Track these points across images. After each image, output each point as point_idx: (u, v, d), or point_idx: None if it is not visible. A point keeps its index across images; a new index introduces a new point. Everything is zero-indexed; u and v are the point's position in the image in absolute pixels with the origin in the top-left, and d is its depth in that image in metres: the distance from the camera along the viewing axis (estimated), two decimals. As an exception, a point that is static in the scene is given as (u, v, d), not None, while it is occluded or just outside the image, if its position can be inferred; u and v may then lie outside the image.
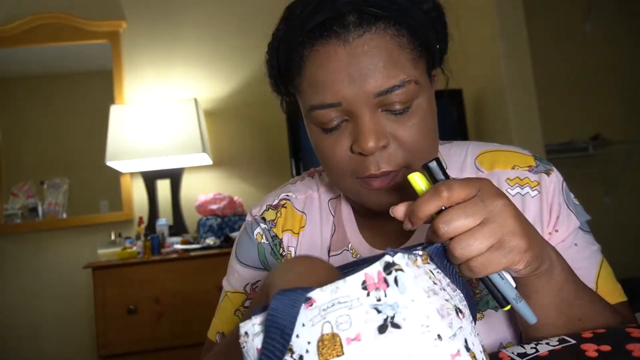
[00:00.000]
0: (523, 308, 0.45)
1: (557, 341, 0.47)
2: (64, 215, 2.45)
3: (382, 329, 0.35)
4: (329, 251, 0.68)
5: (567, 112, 2.78)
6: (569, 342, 0.46)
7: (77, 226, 2.41)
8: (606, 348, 0.45)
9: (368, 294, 0.36)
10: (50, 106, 2.58)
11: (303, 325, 0.37)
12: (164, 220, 2.22)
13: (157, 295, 1.91)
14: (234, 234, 2.08)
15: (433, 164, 0.46)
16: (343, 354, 0.35)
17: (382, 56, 0.53)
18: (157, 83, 2.53)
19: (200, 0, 2.62)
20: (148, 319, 1.89)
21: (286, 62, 0.59)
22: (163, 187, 2.39)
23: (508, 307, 0.45)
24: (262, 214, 0.73)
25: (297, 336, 0.37)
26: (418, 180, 0.46)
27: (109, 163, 2.16)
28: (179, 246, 2.07)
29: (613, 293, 0.62)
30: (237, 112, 2.57)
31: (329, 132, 0.57)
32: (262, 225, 0.72)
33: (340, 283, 0.37)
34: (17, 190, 2.44)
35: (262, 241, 0.72)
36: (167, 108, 2.23)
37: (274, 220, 0.72)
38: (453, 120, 2.31)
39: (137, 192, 2.45)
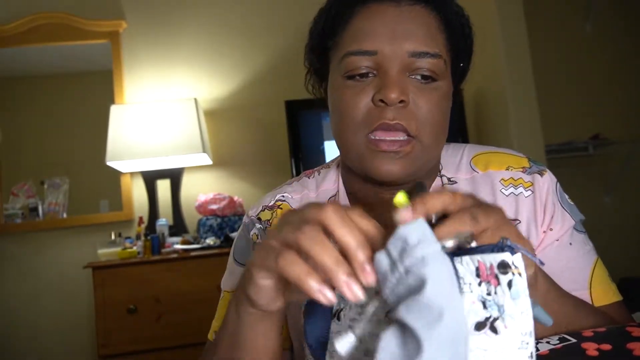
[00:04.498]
0: (539, 313, 0.41)
1: (558, 340, 0.47)
2: (64, 215, 2.45)
3: (479, 326, 0.34)
4: None
5: (567, 112, 2.78)
6: (570, 340, 0.46)
7: (77, 226, 2.41)
8: (607, 347, 0.45)
9: (480, 283, 0.35)
10: (50, 106, 2.58)
11: None
12: (164, 220, 2.22)
13: (157, 295, 1.90)
14: (234, 234, 2.07)
15: (424, 183, 0.44)
16: None
17: (424, 26, 0.59)
18: (157, 83, 2.53)
19: (201, 0, 2.62)
20: (148, 319, 1.89)
21: (334, 18, 0.62)
22: (163, 187, 2.39)
23: None
24: (258, 214, 0.74)
25: None
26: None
27: (109, 163, 2.16)
28: (179, 246, 2.07)
29: (607, 293, 0.62)
30: (237, 112, 2.57)
31: (354, 80, 0.60)
32: (258, 226, 0.73)
33: (457, 262, 0.36)
34: (17, 190, 2.44)
35: (258, 241, 0.73)
36: (167, 108, 2.23)
37: (269, 220, 0.73)
38: (453, 120, 2.32)
39: (137, 192, 2.45)
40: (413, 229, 0.34)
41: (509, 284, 0.34)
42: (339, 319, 0.43)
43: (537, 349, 0.46)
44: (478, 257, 0.36)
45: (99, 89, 2.57)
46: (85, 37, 2.50)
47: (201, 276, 1.92)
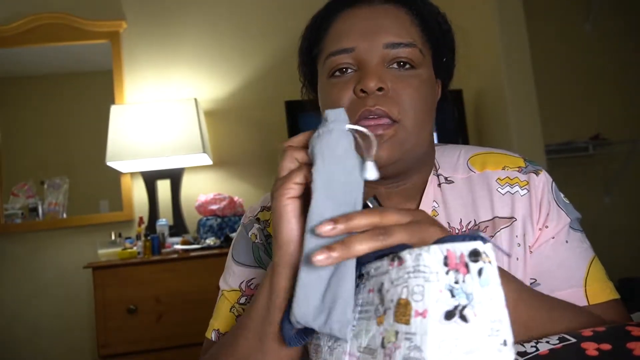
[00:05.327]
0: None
1: (557, 340, 0.47)
2: (64, 215, 2.45)
3: (449, 315, 0.35)
4: None
5: (567, 112, 2.79)
6: (570, 340, 0.46)
7: (77, 226, 2.42)
8: (606, 347, 0.45)
9: (447, 272, 0.36)
10: (51, 106, 2.58)
11: (392, 282, 0.39)
12: (164, 220, 2.22)
13: (157, 295, 1.91)
14: (234, 234, 2.07)
15: (371, 199, 0.51)
16: (409, 324, 0.36)
17: (397, 21, 0.63)
18: (158, 83, 2.54)
19: (201, 0, 2.62)
20: (148, 319, 1.89)
21: (317, 28, 0.68)
22: (163, 187, 2.39)
23: None
24: (257, 215, 0.77)
25: (387, 290, 0.39)
26: None
27: (109, 163, 2.16)
28: (179, 246, 2.07)
29: (604, 291, 0.63)
30: (237, 112, 2.57)
31: (337, 77, 0.64)
32: (257, 226, 0.76)
33: (424, 251, 0.37)
34: (17, 190, 2.44)
35: (257, 241, 0.75)
36: (167, 108, 2.23)
37: (268, 220, 0.75)
38: (453, 120, 2.32)
39: (138, 192, 2.45)
40: (334, 112, 0.49)
41: (479, 272, 0.35)
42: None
43: (537, 349, 0.46)
44: (448, 245, 0.36)
45: (99, 89, 2.57)
46: (86, 37, 2.51)
47: (201, 276, 1.93)
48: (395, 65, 0.62)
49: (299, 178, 0.49)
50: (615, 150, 2.75)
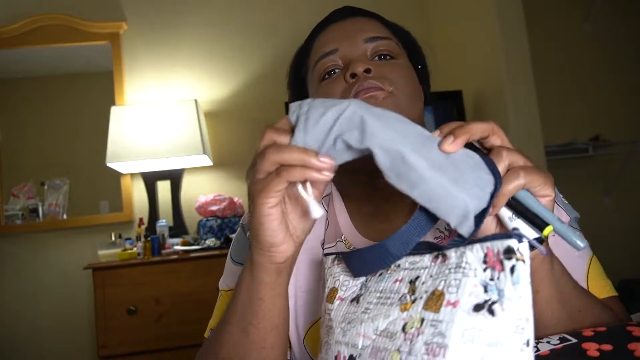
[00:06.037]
0: (570, 234, 0.42)
1: (558, 340, 0.47)
2: (65, 216, 2.44)
3: (477, 307, 0.36)
4: (322, 244, 0.71)
5: (567, 112, 2.78)
6: (570, 340, 0.46)
7: (78, 227, 2.41)
8: (607, 347, 0.44)
9: (485, 269, 0.37)
10: (51, 107, 2.58)
11: (431, 276, 0.41)
12: (164, 221, 2.22)
13: (157, 295, 1.91)
14: (234, 235, 2.07)
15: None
16: (438, 312, 0.37)
17: (371, 24, 0.71)
18: (158, 84, 2.54)
19: (201, 1, 2.62)
20: (148, 320, 1.89)
21: (306, 46, 0.74)
22: (163, 188, 2.39)
23: (548, 231, 0.43)
24: None
25: (424, 283, 0.41)
26: None
27: (109, 164, 2.16)
28: (179, 247, 2.07)
29: (604, 287, 0.65)
30: (237, 113, 2.57)
31: (326, 79, 0.68)
32: None
33: (468, 249, 0.38)
34: (17, 191, 2.44)
35: None
36: (167, 109, 2.23)
37: None
38: (453, 120, 2.31)
39: (138, 193, 2.45)
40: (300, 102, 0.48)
41: (512, 270, 0.36)
42: (357, 302, 0.47)
43: (538, 349, 0.46)
44: (488, 243, 0.37)
45: (99, 90, 2.57)
46: (86, 38, 2.51)
47: (201, 277, 1.92)
48: (377, 58, 0.67)
49: (281, 185, 0.44)
50: (615, 151, 2.74)
